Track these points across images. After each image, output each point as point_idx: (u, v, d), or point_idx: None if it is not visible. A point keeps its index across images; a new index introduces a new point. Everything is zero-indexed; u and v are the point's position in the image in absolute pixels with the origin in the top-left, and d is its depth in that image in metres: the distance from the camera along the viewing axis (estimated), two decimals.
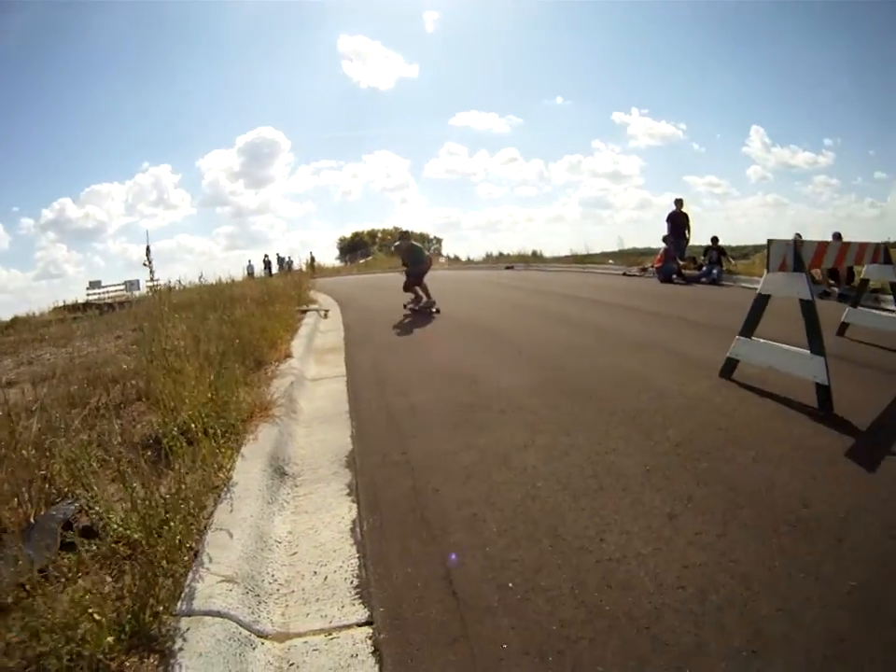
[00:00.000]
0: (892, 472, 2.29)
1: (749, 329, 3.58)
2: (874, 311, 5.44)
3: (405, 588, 1.61)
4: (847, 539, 1.79)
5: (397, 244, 8.61)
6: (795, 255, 3.34)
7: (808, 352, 3.20)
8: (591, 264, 15.44)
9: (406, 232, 8.62)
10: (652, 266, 11.21)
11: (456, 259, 24.74)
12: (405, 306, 7.68)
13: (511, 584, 1.61)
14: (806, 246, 3.53)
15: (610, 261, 15.27)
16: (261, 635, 1.41)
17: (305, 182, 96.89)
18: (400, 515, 2.03)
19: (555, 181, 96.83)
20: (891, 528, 1.86)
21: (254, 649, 1.35)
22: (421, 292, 7.63)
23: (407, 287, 7.80)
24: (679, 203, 11.34)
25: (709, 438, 2.65)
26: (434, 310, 7.36)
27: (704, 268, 10.55)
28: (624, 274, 12.20)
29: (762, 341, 3.55)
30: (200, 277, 8.14)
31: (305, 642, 1.41)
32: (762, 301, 3.55)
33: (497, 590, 1.59)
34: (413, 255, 7.89)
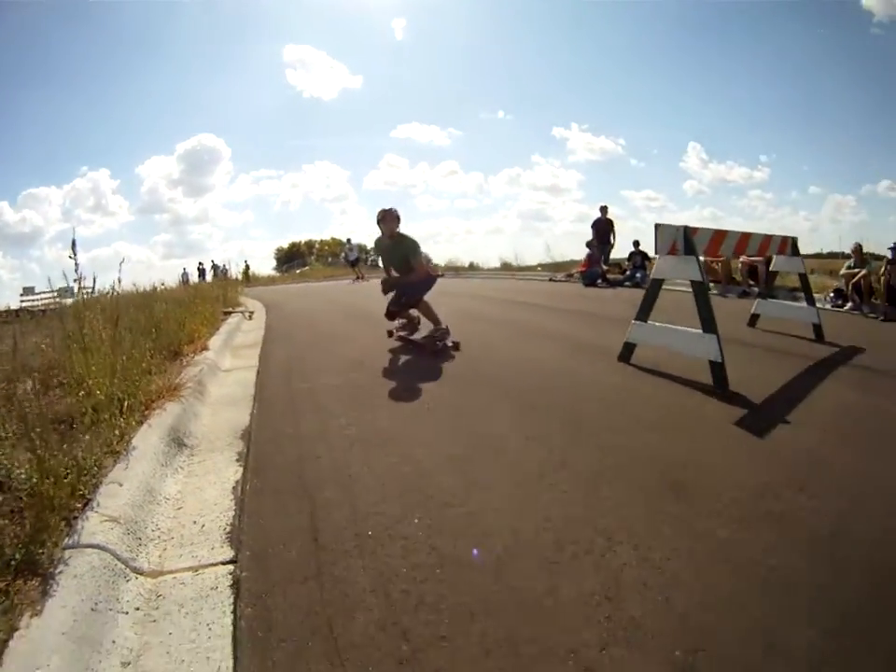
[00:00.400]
0: (778, 438, 2.43)
1: (644, 313, 3.72)
2: (781, 301, 5.83)
3: (272, 536, 1.77)
4: (723, 498, 1.87)
5: (376, 238, 4.70)
6: (685, 238, 3.44)
7: (701, 331, 3.30)
8: (521, 272, 15.91)
9: (389, 210, 4.40)
10: (577, 271, 11.56)
11: None
12: (390, 334, 5.07)
13: (370, 533, 1.75)
14: (701, 233, 3.64)
15: (539, 268, 15.88)
16: (137, 571, 1.59)
17: (245, 191, 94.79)
18: (281, 477, 2.21)
19: (495, 194, 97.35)
20: (771, 488, 1.95)
21: (127, 581, 1.53)
22: (420, 315, 4.74)
23: (393, 314, 4.76)
24: (603, 210, 11.89)
25: (598, 413, 2.77)
26: (449, 343, 4.43)
27: (628, 272, 10.97)
28: (550, 280, 12.42)
29: (657, 324, 3.72)
30: (118, 269, 7.22)
31: (174, 577, 1.59)
32: (656, 285, 3.72)
33: (355, 538, 1.73)
34: (399, 254, 4.47)
